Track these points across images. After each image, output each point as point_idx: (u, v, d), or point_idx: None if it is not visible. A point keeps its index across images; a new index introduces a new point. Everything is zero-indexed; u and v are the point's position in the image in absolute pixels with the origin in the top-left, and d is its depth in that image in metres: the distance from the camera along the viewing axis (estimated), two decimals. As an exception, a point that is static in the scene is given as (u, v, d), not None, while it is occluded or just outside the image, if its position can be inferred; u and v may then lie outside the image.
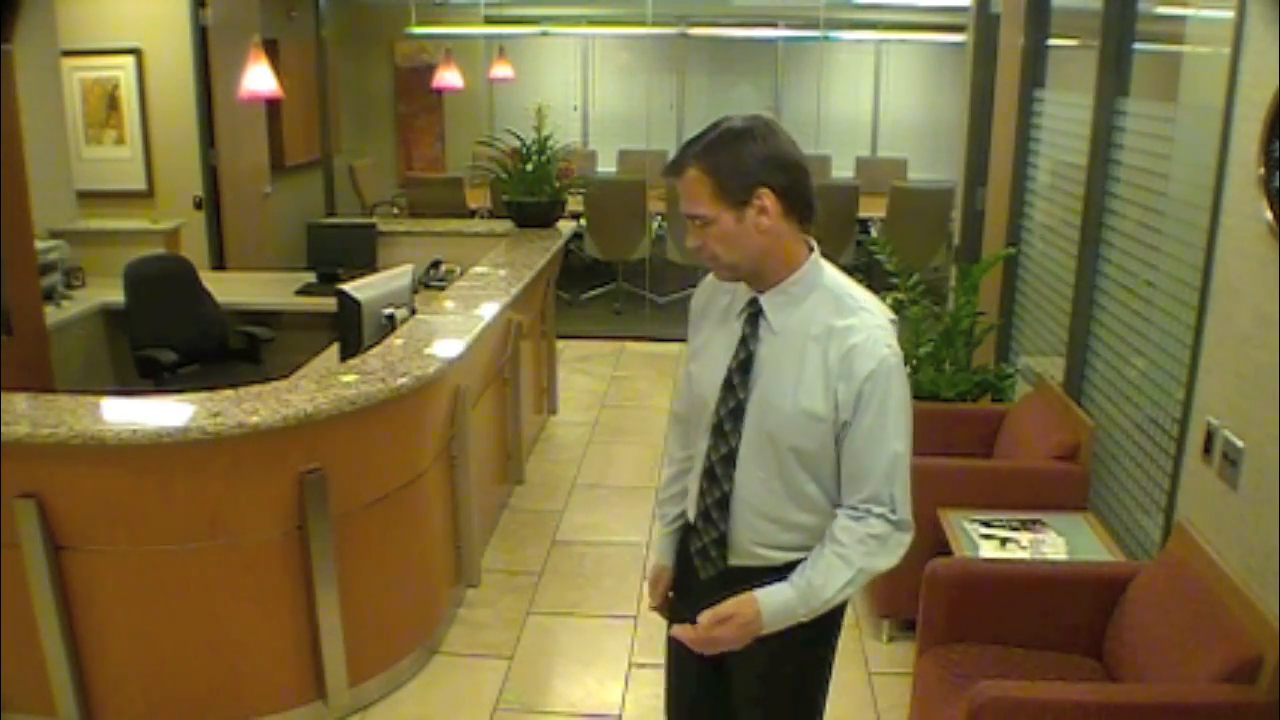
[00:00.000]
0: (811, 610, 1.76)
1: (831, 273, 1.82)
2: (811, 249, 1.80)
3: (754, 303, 1.81)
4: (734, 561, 1.88)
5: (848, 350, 1.72)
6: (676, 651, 1.99)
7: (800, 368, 1.75)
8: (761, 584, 1.79)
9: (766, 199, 1.70)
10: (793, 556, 1.83)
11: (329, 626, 2.94)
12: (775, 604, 1.75)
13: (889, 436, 1.73)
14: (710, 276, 1.91)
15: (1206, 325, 2.62)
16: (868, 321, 1.74)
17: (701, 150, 1.72)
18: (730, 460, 1.83)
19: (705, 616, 1.76)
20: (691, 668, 2.02)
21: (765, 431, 1.79)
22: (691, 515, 1.96)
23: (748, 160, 1.69)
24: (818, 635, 1.91)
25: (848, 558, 1.74)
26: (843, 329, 1.73)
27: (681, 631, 1.80)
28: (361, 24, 9.65)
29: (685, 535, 2.01)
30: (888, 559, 1.77)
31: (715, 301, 1.91)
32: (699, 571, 1.94)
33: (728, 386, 1.82)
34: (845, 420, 1.74)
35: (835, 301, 1.77)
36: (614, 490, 4.70)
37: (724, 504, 1.86)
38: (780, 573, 1.81)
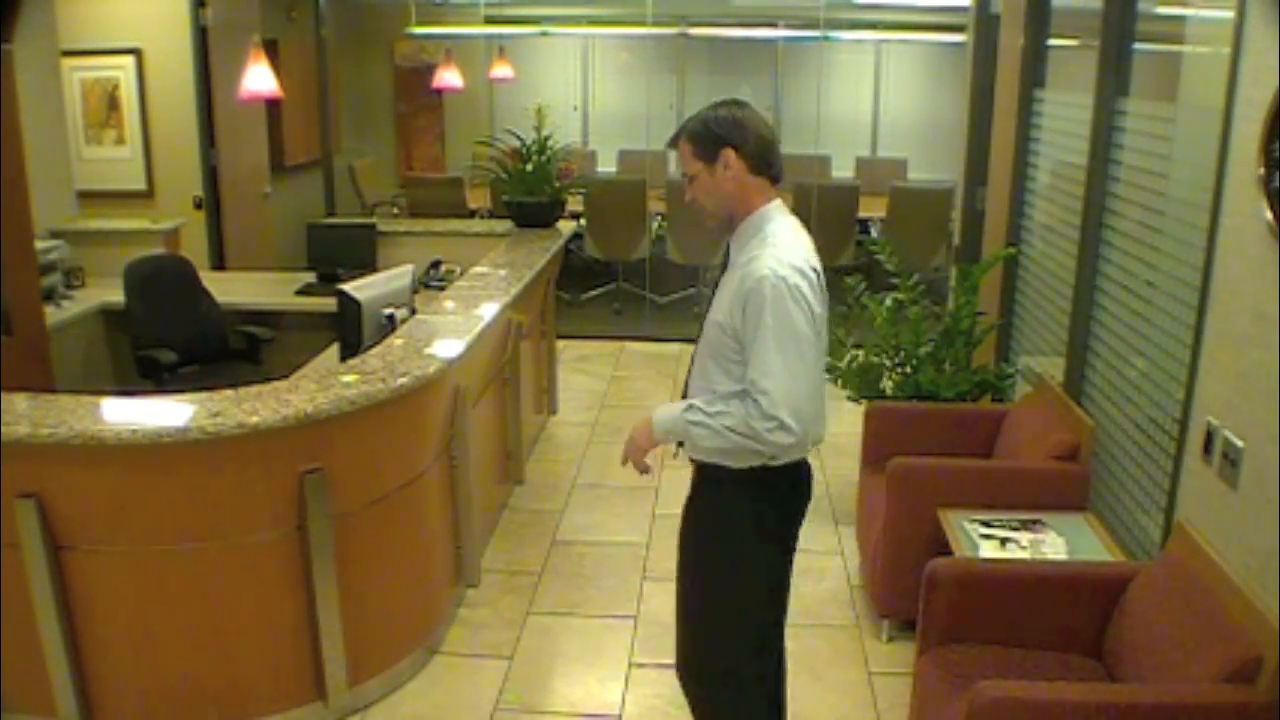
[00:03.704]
0: (688, 424, 2.20)
1: (781, 221, 2.25)
2: (770, 200, 2.25)
3: (728, 246, 2.30)
4: (687, 450, 2.32)
5: (743, 275, 2.16)
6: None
7: (725, 290, 2.23)
8: (702, 478, 2.33)
9: (729, 156, 2.20)
10: (708, 458, 2.24)
11: (329, 626, 2.94)
12: (662, 413, 2.28)
13: (767, 347, 2.10)
14: None
15: (1206, 325, 2.62)
16: (767, 254, 2.15)
17: (687, 124, 2.26)
18: (690, 369, 2.36)
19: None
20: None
21: (704, 338, 2.28)
22: None
23: (716, 127, 2.21)
24: (726, 564, 2.34)
25: (728, 408, 2.16)
26: (749, 259, 2.18)
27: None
28: (361, 24, 9.64)
29: None
30: (756, 440, 2.13)
31: None
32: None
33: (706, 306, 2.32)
34: (735, 327, 2.17)
35: (760, 242, 2.20)
36: (614, 490, 4.70)
37: (684, 394, 2.36)
38: (705, 470, 2.29)
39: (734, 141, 2.19)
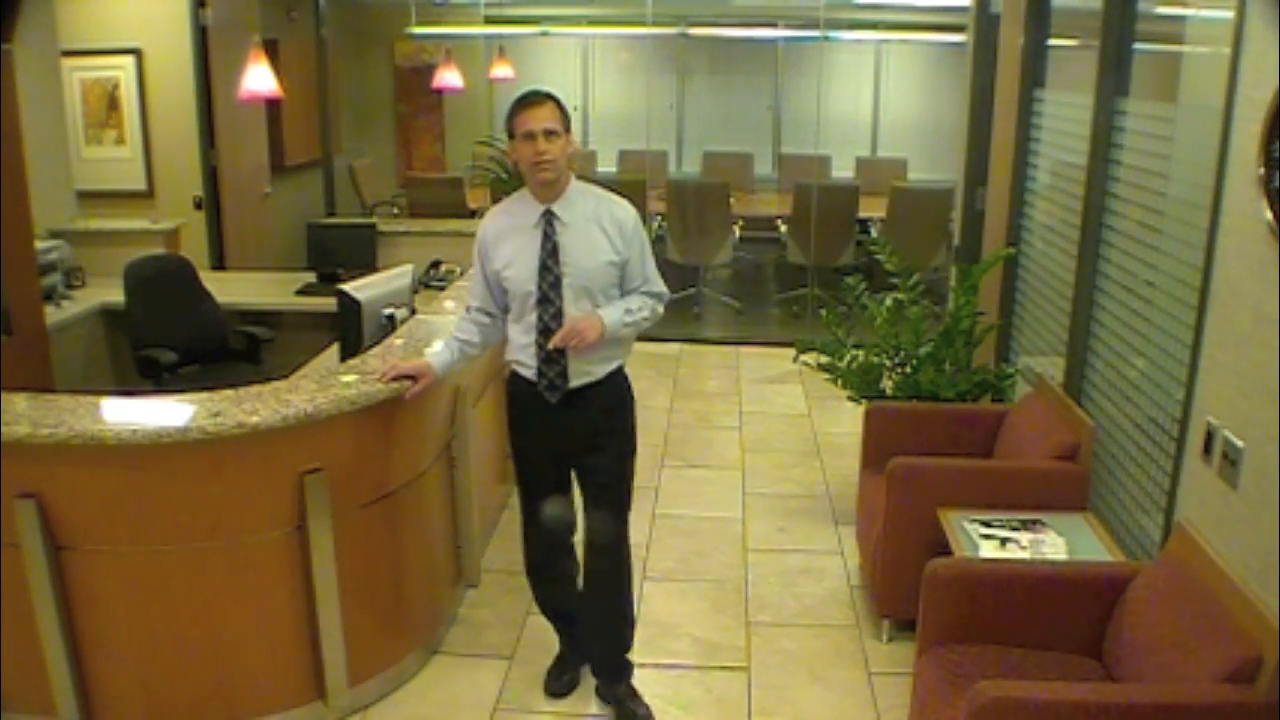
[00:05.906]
0: (620, 323, 2.79)
1: (585, 184, 2.86)
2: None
3: (548, 211, 2.77)
4: (573, 384, 2.81)
5: (614, 218, 2.80)
6: (540, 480, 2.98)
7: (591, 239, 2.77)
8: (591, 398, 2.83)
9: (572, 134, 2.78)
10: (611, 365, 2.85)
11: (329, 626, 2.94)
12: (610, 315, 2.77)
13: (649, 256, 2.89)
14: (491, 218, 2.88)
15: (1206, 325, 2.62)
16: (617, 200, 2.86)
17: (552, 95, 2.74)
18: (559, 315, 2.75)
19: (566, 325, 2.73)
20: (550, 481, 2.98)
21: (582, 286, 2.76)
22: (534, 364, 2.81)
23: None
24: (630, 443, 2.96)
25: (642, 303, 2.88)
26: (607, 209, 2.82)
27: (559, 337, 2.71)
28: (361, 24, 9.65)
29: (520, 382, 2.87)
30: (656, 312, 2.92)
31: (507, 228, 2.82)
32: (548, 399, 2.82)
33: (544, 269, 2.75)
34: (626, 257, 2.81)
35: (595, 198, 2.84)
36: (614, 490, 4.69)
37: (548, 336, 2.76)
38: (602, 383, 2.83)
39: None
